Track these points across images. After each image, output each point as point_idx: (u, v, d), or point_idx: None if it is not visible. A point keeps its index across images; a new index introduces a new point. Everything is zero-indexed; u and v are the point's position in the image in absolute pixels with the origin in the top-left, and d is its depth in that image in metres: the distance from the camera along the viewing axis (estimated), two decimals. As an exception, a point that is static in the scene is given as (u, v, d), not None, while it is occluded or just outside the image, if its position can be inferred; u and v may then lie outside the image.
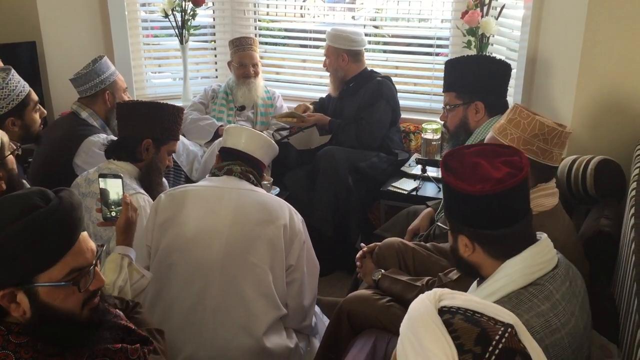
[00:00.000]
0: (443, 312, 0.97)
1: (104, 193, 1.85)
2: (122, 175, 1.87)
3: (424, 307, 0.98)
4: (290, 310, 2.11)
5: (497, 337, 0.92)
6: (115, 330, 1.34)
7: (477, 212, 1.41)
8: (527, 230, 1.42)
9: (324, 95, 3.77)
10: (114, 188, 1.85)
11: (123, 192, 1.85)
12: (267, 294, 2.01)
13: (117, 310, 1.46)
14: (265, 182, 2.32)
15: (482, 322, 0.94)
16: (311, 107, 3.71)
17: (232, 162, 2.13)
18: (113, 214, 1.85)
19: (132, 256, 1.81)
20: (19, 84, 2.55)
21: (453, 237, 1.51)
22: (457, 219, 1.48)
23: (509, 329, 0.93)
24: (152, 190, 2.30)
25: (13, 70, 2.54)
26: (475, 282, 1.50)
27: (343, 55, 3.45)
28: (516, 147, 1.53)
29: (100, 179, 1.86)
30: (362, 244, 2.39)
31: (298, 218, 2.13)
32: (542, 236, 1.45)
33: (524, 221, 1.41)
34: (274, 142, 2.23)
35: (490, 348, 0.90)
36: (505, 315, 0.96)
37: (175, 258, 2.00)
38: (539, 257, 1.40)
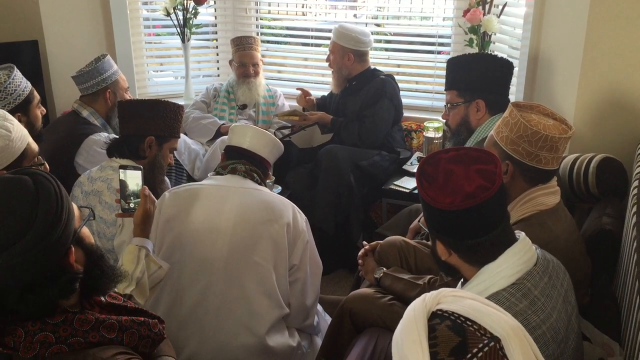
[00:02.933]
0: (436, 315, 0.95)
1: (123, 184, 1.86)
2: (142, 167, 1.87)
3: (415, 309, 0.97)
4: (293, 310, 2.11)
5: (474, 350, 0.89)
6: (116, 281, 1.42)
7: (448, 224, 1.40)
8: (503, 236, 1.40)
9: (325, 93, 3.77)
10: (133, 179, 1.86)
11: (142, 183, 1.85)
12: (270, 293, 2.01)
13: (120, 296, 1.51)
14: (267, 181, 2.33)
15: (468, 332, 0.91)
16: (314, 99, 3.71)
17: (237, 160, 2.13)
18: (132, 205, 1.85)
19: (150, 247, 1.82)
20: (22, 80, 2.59)
21: (432, 240, 1.51)
22: (432, 226, 1.47)
23: (492, 343, 0.90)
24: (155, 188, 2.31)
25: (15, 68, 2.56)
26: (459, 283, 1.50)
27: (349, 55, 3.45)
28: (495, 154, 1.47)
29: (120, 171, 1.86)
30: (364, 242, 2.39)
31: (302, 217, 2.13)
32: (521, 235, 1.43)
33: (499, 228, 1.38)
34: (279, 140, 2.23)
35: None
36: (501, 325, 0.93)
37: (179, 256, 2.01)
38: (518, 258, 1.38)
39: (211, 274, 1.98)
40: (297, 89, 3.77)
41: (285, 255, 2.04)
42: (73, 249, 1.26)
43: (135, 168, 1.87)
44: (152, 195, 1.85)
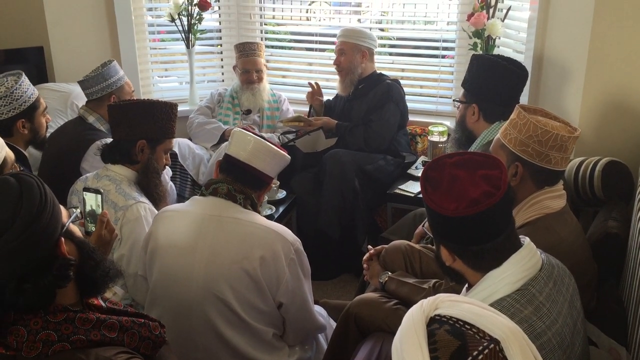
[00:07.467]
0: (434, 321, 0.95)
1: (85, 206, 1.83)
2: (102, 191, 1.83)
3: (413, 315, 0.97)
4: (290, 335, 2.06)
5: (474, 353, 0.89)
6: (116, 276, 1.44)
7: (452, 230, 1.38)
8: (508, 241, 1.38)
9: (330, 98, 3.78)
10: (94, 203, 1.82)
11: (102, 208, 1.80)
12: (250, 332, 1.94)
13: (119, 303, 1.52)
14: (272, 186, 2.26)
15: (467, 335, 0.91)
16: (323, 101, 3.71)
17: (222, 180, 1.98)
18: (92, 228, 1.80)
19: None
20: (30, 87, 2.61)
21: (436, 245, 1.49)
22: (436, 232, 1.46)
23: (492, 345, 0.90)
24: (152, 191, 2.28)
25: (24, 74, 2.58)
26: (464, 288, 1.49)
27: (365, 52, 3.47)
28: (501, 158, 1.46)
29: (83, 192, 1.83)
30: (369, 247, 2.39)
31: (286, 246, 1.92)
32: (525, 240, 1.42)
33: (504, 234, 1.37)
34: (283, 152, 2.06)
35: None
36: (499, 328, 0.93)
37: (160, 293, 1.96)
38: (522, 264, 1.37)
39: (189, 316, 1.90)
40: (309, 83, 3.73)
41: (263, 289, 1.90)
42: (63, 240, 1.29)
43: (96, 191, 1.82)
44: (112, 224, 1.80)
